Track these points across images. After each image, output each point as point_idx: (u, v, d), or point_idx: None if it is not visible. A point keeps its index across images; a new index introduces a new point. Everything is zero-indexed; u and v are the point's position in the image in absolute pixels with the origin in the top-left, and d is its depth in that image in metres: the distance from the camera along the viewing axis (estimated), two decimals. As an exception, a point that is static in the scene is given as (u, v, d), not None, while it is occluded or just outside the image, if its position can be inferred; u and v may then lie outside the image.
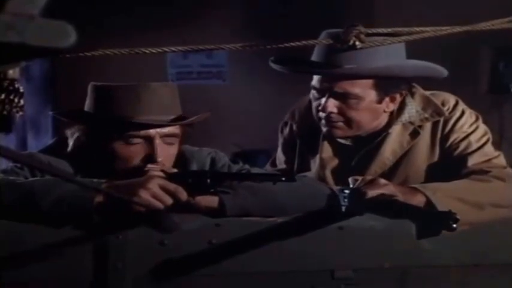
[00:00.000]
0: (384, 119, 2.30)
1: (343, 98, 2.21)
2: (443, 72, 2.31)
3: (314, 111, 2.29)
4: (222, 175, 2.02)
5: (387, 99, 2.25)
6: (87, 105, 2.06)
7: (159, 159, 1.96)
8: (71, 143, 2.05)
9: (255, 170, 2.21)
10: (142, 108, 1.97)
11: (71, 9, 3.30)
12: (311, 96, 2.31)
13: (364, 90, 2.21)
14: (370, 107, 2.23)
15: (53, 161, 2.01)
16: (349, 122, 2.24)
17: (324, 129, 2.28)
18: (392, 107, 2.28)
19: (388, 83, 2.23)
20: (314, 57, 2.26)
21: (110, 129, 1.98)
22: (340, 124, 2.25)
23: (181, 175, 1.96)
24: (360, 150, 2.31)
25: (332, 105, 2.22)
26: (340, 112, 2.23)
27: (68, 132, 2.08)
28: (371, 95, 2.22)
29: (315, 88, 2.27)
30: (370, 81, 2.21)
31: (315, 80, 2.26)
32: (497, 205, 2.08)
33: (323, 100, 2.23)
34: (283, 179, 1.90)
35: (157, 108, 1.99)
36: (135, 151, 1.98)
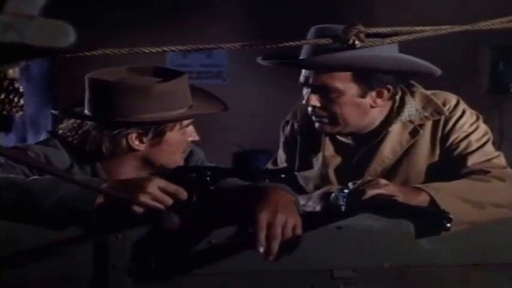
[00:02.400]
0: (377, 116, 2.29)
1: (324, 91, 2.21)
2: (434, 69, 2.29)
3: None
4: (222, 172, 2.02)
5: (373, 94, 2.24)
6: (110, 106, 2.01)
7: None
8: (72, 135, 2.05)
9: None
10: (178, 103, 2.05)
11: (71, 9, 3.30)
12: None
13: (344, 84, 2.20)
14: (353, 101, 2.22)
15: (49, 151, 2.01)
16: (333, 117, 2.23)
17: (316, 125, 2.28)
18: (381, 102, 2.27)
19: (369, 77, 2.22)
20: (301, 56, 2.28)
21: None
22: (326, 120, 2.25)
23: (181, 172, 1.96)
24: (361, 148, 2.31)
25: (314, 99, 2.22)
26: (323, 107, 2.23)
27: (64, 126, 2.08)
28: (352, 88, 2.22)
29: (300, 83, 2.28)
30: (348, 74, 2.20)
31: (301, 75, 2.28)
32: (497, 205, 2.08)
33: (306, 95, 2.24)
34: (283, 176, 1.94)
35: (188, 100, 2.09)
36: (185, 137, 2.10)
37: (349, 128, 2.27)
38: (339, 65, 2.18)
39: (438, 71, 2.29)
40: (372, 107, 2.26)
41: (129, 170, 2.07)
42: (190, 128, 2.12)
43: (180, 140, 2.09)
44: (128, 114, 1.99)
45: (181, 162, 2.12)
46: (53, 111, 2.16)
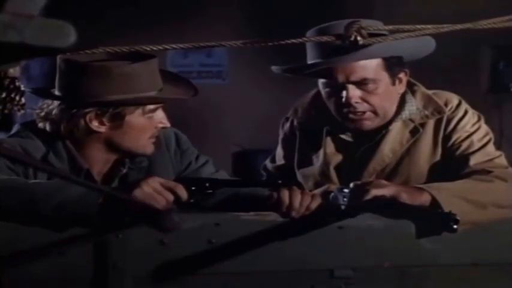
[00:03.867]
0: (395, 106, 2.30)
1: (362, 85, 2.21)
2: (428, 44, 2.27)
3: (335, 109, 2.26)
4: (221, 182, 2.05)
5: (397, 80, 2.27)
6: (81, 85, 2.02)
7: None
8: (40, 116, 2.06)
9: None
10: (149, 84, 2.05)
11: (71, 8, 3.30)
12: (324, 96, 2.29)
13: (378, 74, 2.22)
14: (388, 90, 2.24)
15: (24, 142, 2.02)
16: (374, 109, 2.24)
17: (351, 124, 2.27)
18: (403, 88, 2.29)
19: (394, 62, 2.24)
20: (313, 59, 2.26)
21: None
22: (369, 114, 2.24)
23: (180, 182, 1.97)
24: (361, 146, 2.31)
25: (356, 95, 2.21)
26: (364, 100, 2.23)
27: (37, 107, 2.08)
28: (385, 77, 2.23)
29: (329, 85, 2.25)
30: (379, 64, 2.22)
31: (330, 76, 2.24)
32: (499, 205, 2.09)
33: (344, 94, 2.22)
34: (280, 182, 1.97)
35: (156, 84, 2.07)
36: (153, 122, 2.07)
37: (384, 119, 2.27)
38: (373, 56, 2.19)
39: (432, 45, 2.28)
40: (398, 94, 2.28)
41: (94, 152, 2.07)
42: (160, 114, 2.09)
43: (145, 124, 2.06)
44: (89, 95, 2.00)
45: (150, 148, 2.10)
46: (24, 89, 2.15)
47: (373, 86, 2.22)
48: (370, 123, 2.26)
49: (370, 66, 2.21)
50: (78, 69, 2.01)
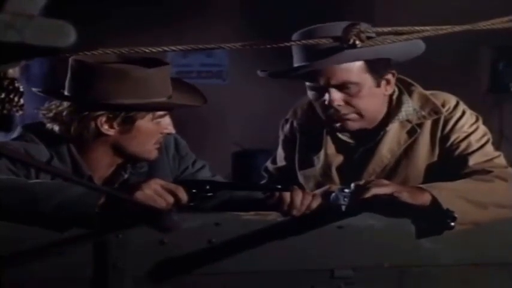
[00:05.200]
0: (384, 107, 2.30)
1: (344, 88, 2.21)
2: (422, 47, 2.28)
3: (321, 111, 2.27)
4: (221, 185, 2.07)
5: (383, 82, 2.26)
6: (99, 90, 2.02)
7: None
8: (48, 116, 2.06)
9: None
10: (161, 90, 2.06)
11: (71, 8, 3.30)
12: (311, 98, 2.30)
13: (361, 76, 2.21)
14: (372, 92, 2.24)
15: (27, 146, 2.01)
16: (358, 112, 2.24)
17: (337, 125, 2.27)
18: (390, 90, 2.29)
19: (378, 65, 2.23)
20: (297, 62, 2.26)
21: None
22: (353, 116, 2.24)
23: (181, 185, 1.98)
24: (360, 147, 2.32)
25: (338, 98, 2.21)
26: (347, 103, 2.23)
27: (45, 107, 2.08)
28: (368, 80, 2.22)
29: (313, 88, 2.26)
30: (362, 66, 2.21)
31: (311, 79, 2.26)
32: (500, 205, 2.09)
33: (326, 96, 2.23)
34: (279, 186, 1.97)
35: (167, 90, 2.08)
36: (160, 128, 2.09)
37: (369, 122, 2.27)
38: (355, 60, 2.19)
39: (422, 47, 2.28)
40: (384, 95, 2.28)
41: (100, 155, 2.08)
42: (167, 120, 2.10)
43: (153, 129, 2.08)
44: (102, 97, 2.00)
45: (154, 153, 2.11)
46: (34, 89, 2.15)
47: (356, 88, 2.21)
48: (354, 124, 2.26)
49: (351, 69, 2.20)
50: (92, 71, 2.01)
